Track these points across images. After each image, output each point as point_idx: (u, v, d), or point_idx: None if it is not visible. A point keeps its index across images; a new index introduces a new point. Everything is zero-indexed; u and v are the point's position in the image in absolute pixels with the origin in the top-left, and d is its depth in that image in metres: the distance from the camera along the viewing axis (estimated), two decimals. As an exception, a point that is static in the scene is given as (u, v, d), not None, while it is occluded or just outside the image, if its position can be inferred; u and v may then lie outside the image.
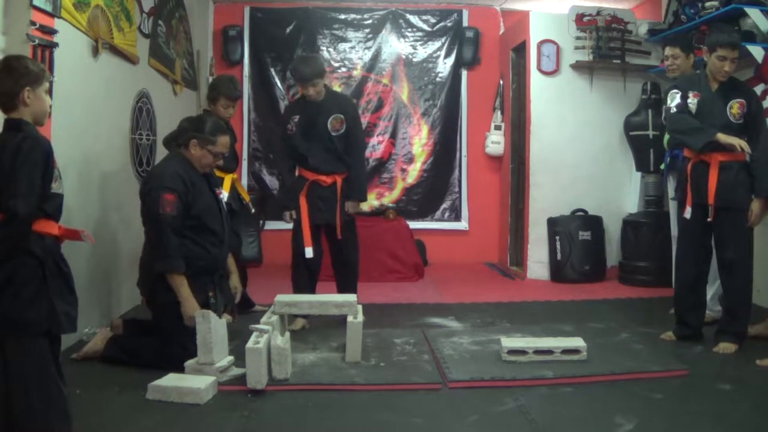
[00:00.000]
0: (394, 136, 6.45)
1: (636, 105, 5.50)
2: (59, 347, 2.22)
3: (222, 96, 4.14)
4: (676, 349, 3.47)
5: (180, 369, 2.93)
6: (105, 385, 2.89)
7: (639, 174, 5.53)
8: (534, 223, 5.62)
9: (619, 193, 5.67)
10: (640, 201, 5.54)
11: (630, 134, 5.44)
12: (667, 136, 4.14)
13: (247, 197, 4.41)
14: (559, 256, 5.46)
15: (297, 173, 4.08)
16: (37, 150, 2.08)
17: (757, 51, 4.15)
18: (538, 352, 3.16)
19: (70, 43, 3.33)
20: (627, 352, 3.39)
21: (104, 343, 3.20)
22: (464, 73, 6.51)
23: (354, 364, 3.18)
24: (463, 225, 6.54)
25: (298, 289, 3.95)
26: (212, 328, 2.91)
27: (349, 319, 3.26)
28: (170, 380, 2.81)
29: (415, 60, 6.49)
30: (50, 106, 2.30)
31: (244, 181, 6.12)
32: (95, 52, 3.67)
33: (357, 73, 6.44)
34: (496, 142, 6.34)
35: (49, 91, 2.30)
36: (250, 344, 2.83)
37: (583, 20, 5.53)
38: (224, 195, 3.77)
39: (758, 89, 4.17)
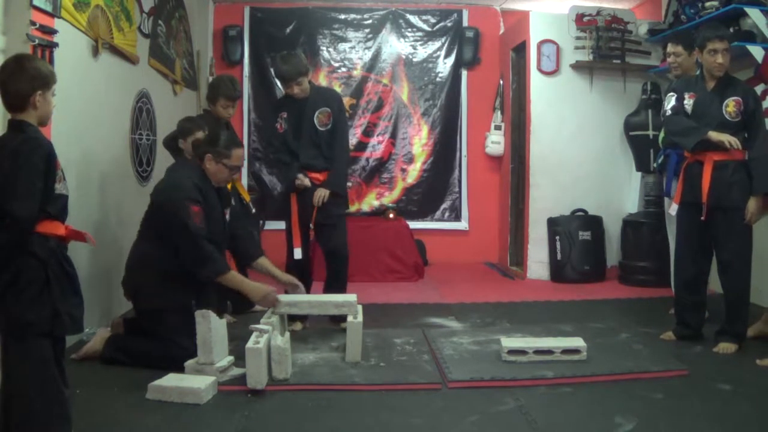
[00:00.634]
0: (394, 136, 6.45)
1: (636, 105, 5.50)
2: (63, 348, 2.22)
3: (221, 96, 4.14)
4: (676, 349, 3.47)
5: (180, 369, 2.93)
6: (105, 385, 2.89)
7: (639, 174, 5.53)
8: (534, 223, 5.62)
9: (619, 193, 5.67)
10: (640, 201, 5.54)
11: (630, 134, 5.45)
12: (662, 135, 4.15)
13: (247, 197, 4.41)
14: (559, 256, 5.46)
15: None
16: (38, 152, 2.07)
17: (757, 51, 4.15)
18: (538, 352, 3.16)
19: (70, 43, 3.33)
20: (627, 352, 3.39)
21: (103, 344, 3.20)
22: (464, 73, 6.51)
23: (354, 364, 3.17)
24: (463, 225, 6.55)
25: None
26: (212, 328, 2.91)
27: (349, 319, 3.26)
28: (170, 380, 2.81)
29: (415, 60, 6.49)
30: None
31: (244, 181, 6.12)
32: (95, 52, 3.67)
33: (357, 73, 6.44)
34: (496, 142, 6.34)
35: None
36: (250, 344, 2.82)
37: (583, 20, 5.53)
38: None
39: (758, 89, 4.16)
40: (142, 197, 4.28)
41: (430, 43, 6.50)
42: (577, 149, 5.59)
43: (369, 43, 6.45)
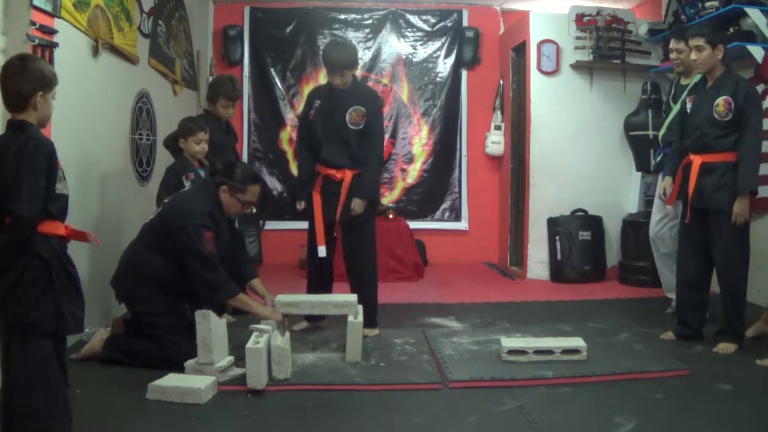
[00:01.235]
0: (394, 136, 6.45)
1: (636, 105, 5.50)
2: (65, 348, 2.22)
3: (221, 96, 4.15)
4: (676, 349, 3.47)
5: (180, 369, 2.93)
6: (105, 385, 2.89)
7: (639, 174, 5.53)
8: (534, 223, 5.62)
9: (619, 193, 5.67)
10: (640, 201, 5.54)
11: (630, 134, 5.45)
12: (662, 132, 4.14)
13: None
14: (559, 256, 5.46)
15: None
16: (40, 152, 2.08)
17: (757, 51, 4.15)
18: (538, 352, 3.16)
19: (70, 43, 3.34)
20: (627, 352, 3.39)
21: (102, 344, 3.20)
22: (464, 73, 6.51)
23: (354, 364, 3.17)
24: (463, 225, 6.55)
25: (310, 289, 3.83)
26: (212, 328, 2.91)
27: (350, 318, 3.26)
28: (170, 380, 2.81)
29: (415, 60, 6.49)
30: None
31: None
32: (95, 52, 3.67)
33: (357, 73, 6.43)
34: (496, 142, 6.34)
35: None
36: (250, 344, 2.83)
37: (583, 20, 5.53)
38: None
39: (758, 89, 4.17)
40: (142, 197, 4.29)
41: (430, 43, 6.50)
42: (577, 149, 5.59)
43: (369, 43, 6.45)
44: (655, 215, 4.14)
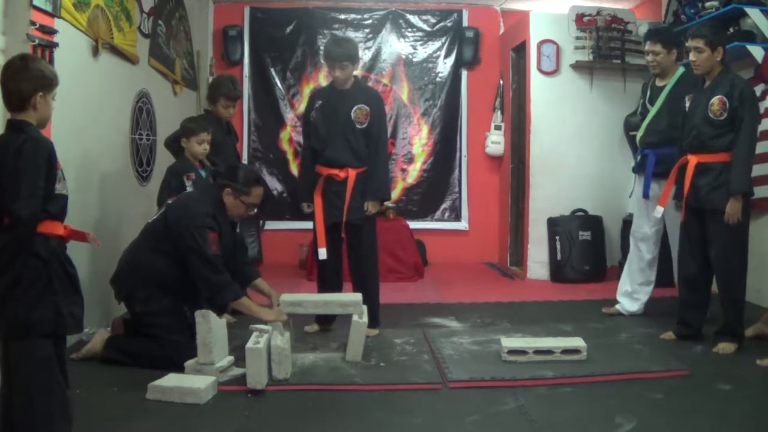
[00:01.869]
0: (394, 136, 6.44)
1: (636, 105, 5.50)
2: (64, 348, 2.22)
3: (222, 96, 4.15)
4: (676, 349, 3.47)
5: (180, 369, 2.93)
6: (105, 385, 2.89)
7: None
8: (534, 223, 5.62)
9: (619, 193, 5.66)
10: (640, 201, 5.53)
11: (630, 134, 5.43)
12: (639, 134, 4.16)
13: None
14: (559, 256, 5.46)
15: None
16: (40, 152, 2.08)
17: (757, 51, 4.15)
18: (538, 352, 3.16)
19: (70, 43, 3.33)
20: (627, 352, 3.40)
21: (103, 345, 3.20)
22: (464, 73, 6.51)
23: (354, 364, 3.18)
24: (463, 225, 6.55)
25: (321, 291, 3.81)
26: (212, 328, 2.91)
27: (354, 318, 3.25)
28: (170, 380, 2.81)
29: (415, 60, 6.49)
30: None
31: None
32: (95, 52, 3.67)
33: (357, 73, 6.42)
34: (496, 142, 6.34)
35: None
36: (250, 344, 2.83)
37: (583, 20, 5.53)
38: None
39: (758, 89, 4.17)
40: (142, 197, 4.29)
41: (430, 43, 6.50)
42: (577, 149, 5.58)
43: (369, 43, 6.45)
44: (642, 217, 4.19)
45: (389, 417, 2.61)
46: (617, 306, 4.26)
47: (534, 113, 5.58)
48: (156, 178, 4.32)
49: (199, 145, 3.81)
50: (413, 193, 6.51)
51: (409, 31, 6.49)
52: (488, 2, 6.40)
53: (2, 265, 2.04)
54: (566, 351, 3.17)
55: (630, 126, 5.44)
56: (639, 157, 4.17)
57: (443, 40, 6.50)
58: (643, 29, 5.39)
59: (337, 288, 3.84)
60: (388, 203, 6.14)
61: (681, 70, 3.98)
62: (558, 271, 5.48)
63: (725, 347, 3.39)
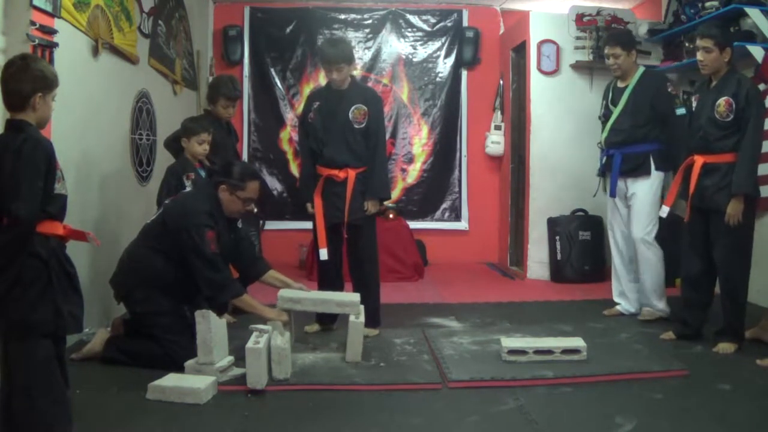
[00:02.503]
0: (394, 136, 6.44)
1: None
2: (64, 348, 2.22)
3: (221, 96, 4.14)
4: (676, 349, 3.47)
5: (180, 369, 2.93)
6: (105, 385, 2.89)
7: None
8: (534, 223, 5.61)
9: (619, 193, 5.66)
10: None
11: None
12: (603, 135, 4.19)
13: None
14: (559, 256, 5.46)
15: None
16: (39, 152, 2.08)
17: (757, 51, 4.15)
18: (538, 352, 3.16)
19: (70, 43, 3.33)
20: (627, 352, 3.40)
21: (103, 345, 3.20)
22: (464, 73, 6.51)
23: (354, 364, 3.18)
24: (463, 225, 6.54)
25: (321, 290, 3.79)
26: (212, 328, 2.91)
27: (351, 318, 3.26)
28: (170, 380, 2.81)
29: (415, 60, 6.49)
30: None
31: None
32: (95, 52, 3.67)
33: (357, 73, 6.43)
34: (496, 142, 6.34)
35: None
36: (250, 344, 2.83)
37: (583, 20, 5.53)
38: None
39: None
40: (142, 197, 4.30)
41: (430, 43, 6.50)
42: (577, 149, 5.57)
43: (369, 43, 6.45)
44: (615, 217, 4.27)
45: (389, 417, 2.61)
46: (617, 307, 4.27)
47: (534, 113, 5.58)
48: (156, 178, 4.32)
49: (200, 145, 3.82)
50: (413, 193, 6.51)
51: (409, 31, 6.49)
52: (488, 2, 6.40)
53: (2, 266, 2.04)
54: (566, 351, 3.17)
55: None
56: (605, 158, 4.20)
57: (443, 40, 6.50)
58: (643, 29, 5.39)
59: (338, 288, 3.84)
60: (387, 203, 6.15)
61: (641, 69, 4.07)
62: (558, 271, 5.48)
63: (725, 347, 3.38)
